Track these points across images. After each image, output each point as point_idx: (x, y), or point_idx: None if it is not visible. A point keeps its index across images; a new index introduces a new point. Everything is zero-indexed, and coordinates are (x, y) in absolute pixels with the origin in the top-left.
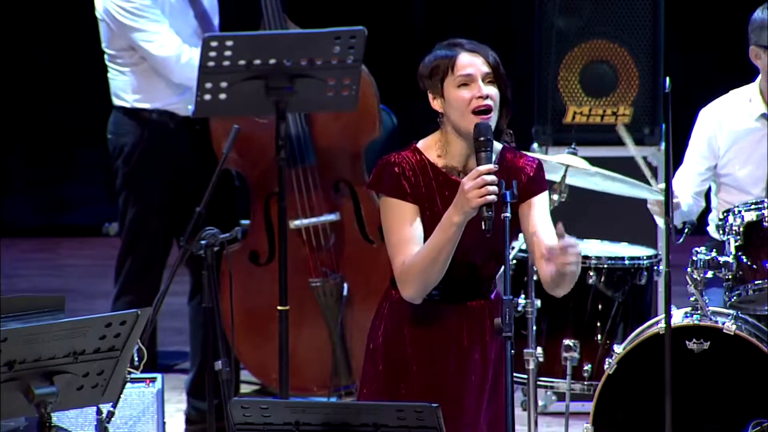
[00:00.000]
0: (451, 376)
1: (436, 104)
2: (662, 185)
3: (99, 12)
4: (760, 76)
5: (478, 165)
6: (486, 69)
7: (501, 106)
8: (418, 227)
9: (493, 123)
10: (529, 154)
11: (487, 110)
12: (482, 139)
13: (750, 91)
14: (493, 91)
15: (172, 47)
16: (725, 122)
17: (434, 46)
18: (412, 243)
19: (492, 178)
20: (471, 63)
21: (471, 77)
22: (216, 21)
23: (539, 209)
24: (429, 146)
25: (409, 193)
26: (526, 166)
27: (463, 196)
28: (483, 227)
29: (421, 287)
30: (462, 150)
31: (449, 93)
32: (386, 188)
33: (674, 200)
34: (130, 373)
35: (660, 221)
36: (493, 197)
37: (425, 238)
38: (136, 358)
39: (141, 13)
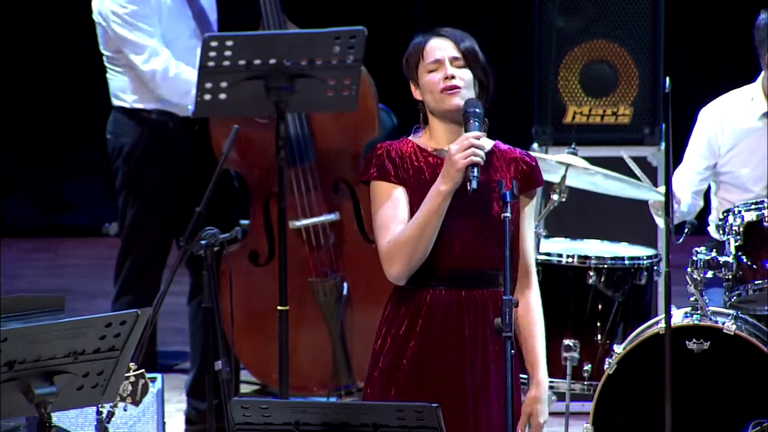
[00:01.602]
0: (451, 367)
1: (416, 93)
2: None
3: (95, 15)
4: (762, 75)
5: (467, 132)
6: (455, 53)
7: (479, 92)
8: (403, 208)
9: (471, 100)
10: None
11: (455, 89)
12: (470, 110)
13: (752, 90)
14: (461, 72)
15: (158, 62)
16: (726, 122)
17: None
18: (397, 223)
19: (478, 142)
20: (439, 47)
21: (439, 61)
22: (214, 18)
23: (527, 212)
24: (418, 136)
25: (393, 174)
26: (525, 157)
27: (449, 161)
28: (468, 187)
29: (407, 264)
30: (446, 133)
31: (422, 79)
32: (372, 173)
33: (674, 203)
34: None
35: (660, 222)
36: (478, 159)
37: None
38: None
39: (134, 22)
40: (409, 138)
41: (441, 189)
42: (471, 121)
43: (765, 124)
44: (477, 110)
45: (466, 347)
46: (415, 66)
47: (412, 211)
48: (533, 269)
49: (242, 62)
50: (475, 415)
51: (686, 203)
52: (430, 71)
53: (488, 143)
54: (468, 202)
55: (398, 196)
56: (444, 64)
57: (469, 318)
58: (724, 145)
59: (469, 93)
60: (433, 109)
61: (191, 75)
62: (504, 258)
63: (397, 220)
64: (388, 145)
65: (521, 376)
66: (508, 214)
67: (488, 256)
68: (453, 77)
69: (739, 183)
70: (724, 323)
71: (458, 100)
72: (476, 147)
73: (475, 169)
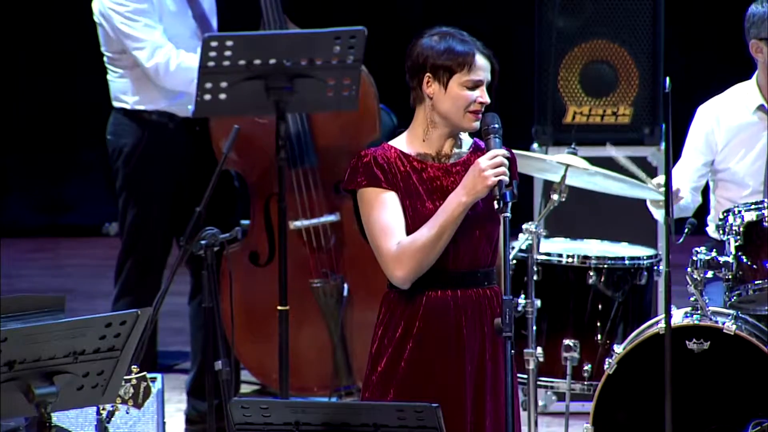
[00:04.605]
0: (450, 366)
1: (429, 89)
2: (657, 180)
3: (96, 15)
4: (758, 71)
5: (489, 150)
6: (490, 77)
7: None
8: (399, 212)
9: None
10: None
11: (479, 113)
12: (492, 126)
13: (747, 86)
14: (487, 96)
15: (161, 55)
16: (723, 118)
17: (436, 27)
18: (398, 228)
19: (506, 161)
20: (483, 68)
21: (480, 83)
22: (214, 22)
23: None
24: (399, 141)
25: (383, 180)
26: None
27: (478, 176)
28: (496, 206)
29: (416, 269)
30: (440, 136)
31: (453, 88)
32: (361, 180)
33: (673, 190)
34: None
35: (657, 214)
36: (506, 178)
37: (408, 225)
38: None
39: (135, 17)
40: (390, 143)
41: (462, 200)
42: (493, 137)
43: (760, 117)
44: (497, 125)
45: (465, 345)
46: (450, 70)
47: (406, 215)
48: None
49: (242, 62)
50: (474, 414)
51: (685, 198)
52: (467, 87)
53: (468, 141)
54: None
55: (392, 200)
56: (483, 88)
57: (466, 317)
58: (721, 141)
59: None
60: (446, 116)
61: (194, 62)
62: (500, 255)
63: (398, 224)
64: (373, 152)
65: (519, 375)
66: (508, 214)
67: (482, 255)
68: (483, 105)
69: (736, 179)
70: (724, 323)
71: (477, 124)
72: (504, 165)
73: (500, 187)
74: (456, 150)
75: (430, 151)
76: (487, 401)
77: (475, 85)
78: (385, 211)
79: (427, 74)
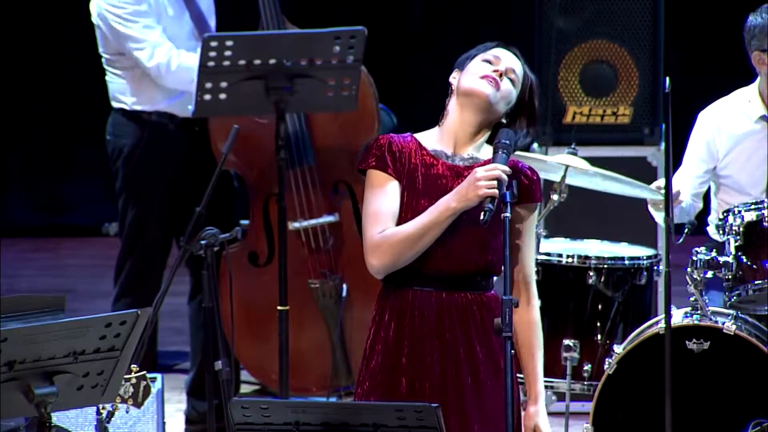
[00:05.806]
0: (435, 368)
1: (454, 80)
2: (657, 183)
3: (94, 17)
4: (759, 78)
5: (492, 163)
6: (513, 64)
7: (515, 113)
8: (395, 203)
9: (497, 109)
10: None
11: (494, 81)
12: (502, 141)
13: (749, 92)
14: (508, 82)
15: (161, 54)
16: (724, 125)
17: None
18: (389, 216)
19: (505, 177)
20: (505, 56)
21: (498, 59)
22: (212, 22)
23: (527, 225)
24: (423, 134)
25: (391, 167)
26: (526, 170)
27: (472, 184)
28: (481, 218)
29: (392, 261)
30: (454, 124)
31: (472, 63)
32: (371, 161)
33: (673, 192)
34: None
35: (658, 217)
36: (496, 191)
37: (400, 218)
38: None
39: (134, 19)
40: (415, 134)
41: (452, 206)
42: (500, 152)
43: (762, 127)
44: (507, 142)
45: (447, 349)
46: (471, 57)
47: (402, 207)
48: (533, 284)
49: (242, 62)
50: (460, 415)
51: (686, 202)
52: (485, 60)
53: (490, 150)
54: None
55: (392, 189)
56: (500, 64)
57: (451, 320)
58: (723, 149)
59: (503, 102)
60: (461, 88)
61: (195, 61)
62: (504, 260)
63: (390, 213)
64: (390, 138)
65: (519, 375)
66: (508, 214)
67: (471, 260)
68: (501, 75)
69: (738, 186)
70: (724, 323)
71: (488, 90)
72: (501, 181)
73: (491, 200)
74: (474, 153)
75: (446, 147)
76: (486, 405)
77: (491, 60)
78: (382, 197)
79: (455, 70)
